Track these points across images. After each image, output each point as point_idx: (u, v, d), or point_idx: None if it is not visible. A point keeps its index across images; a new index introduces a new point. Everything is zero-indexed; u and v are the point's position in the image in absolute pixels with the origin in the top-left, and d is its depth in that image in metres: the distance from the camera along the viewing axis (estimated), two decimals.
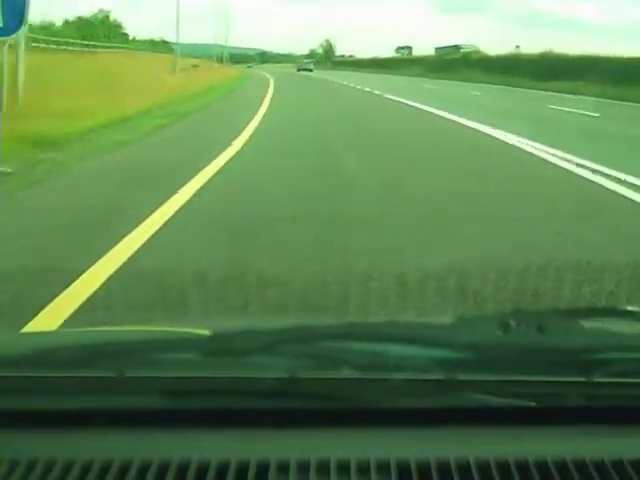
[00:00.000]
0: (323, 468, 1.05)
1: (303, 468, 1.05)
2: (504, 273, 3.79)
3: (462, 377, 1.15)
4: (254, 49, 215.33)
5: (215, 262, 4.25)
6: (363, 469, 1.05)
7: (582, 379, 1.14)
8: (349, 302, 3.34)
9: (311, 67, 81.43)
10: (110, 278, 3.80)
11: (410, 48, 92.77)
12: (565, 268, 3.94)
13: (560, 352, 1.21)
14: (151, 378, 1.17)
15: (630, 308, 1.43)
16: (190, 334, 1.36)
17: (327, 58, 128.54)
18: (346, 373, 1.15)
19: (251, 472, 1.04)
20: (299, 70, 75.80)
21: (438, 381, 1.14)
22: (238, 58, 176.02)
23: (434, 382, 1.15)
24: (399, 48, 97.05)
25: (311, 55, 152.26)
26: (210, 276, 3.68)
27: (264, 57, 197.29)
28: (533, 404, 1.14)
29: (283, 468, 1.04)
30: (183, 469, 1.04)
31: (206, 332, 1.29)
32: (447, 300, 3.36)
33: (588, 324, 1.30)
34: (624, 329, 1.34)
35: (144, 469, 1.04)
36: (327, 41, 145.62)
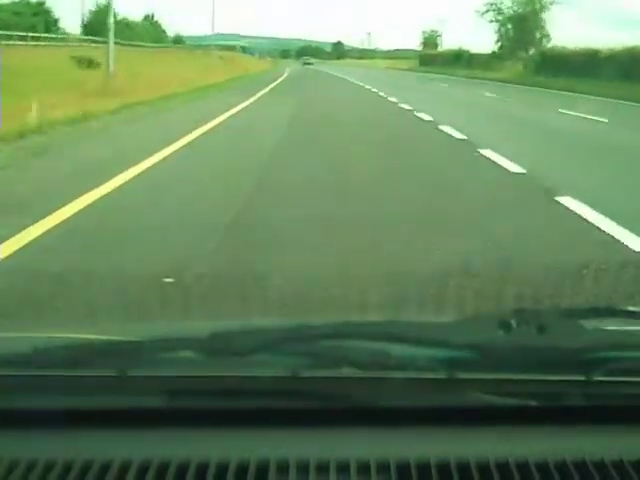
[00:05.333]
0: (323, 468, 1.05)
1: (303, 468, 1.04)
2: (504, 273, 3.80)
3: (462, 376, 1.15)
4: (326, 43, 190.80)
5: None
6: (363, 469, 1.05)
7: (582, 378, 1.14)
8: (349, 302, 3.34)
9: (312, 62, 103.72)
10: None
11: None
12: (566, 268, 3.94)
13: (560, 352, 1.21)
14: (151, 377, 1.16)
15: (630, 308, 1.43)
16: (190, 333, 1.36)
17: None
18: (346, 372, 1.14)
19: (251, 472, 1.04)
20: (304, 64, 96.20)
21: (438, 380, 1.14)
22: (314, 51, 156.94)
23: (434, 381, 1.15)
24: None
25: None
26: (210, 275, 3.69)
27: (340, 51, 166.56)
28: (533, 404, 1.14)
29: (283, 468, 1.04)
30: (183, 469, 1.04)
31: (206, 331, 1.28)
32: (447, 300, 3.35)
33: (588, 324, 1.30)
34: (624, 329, 1.34)
35: (144, 469, 1.04)
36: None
